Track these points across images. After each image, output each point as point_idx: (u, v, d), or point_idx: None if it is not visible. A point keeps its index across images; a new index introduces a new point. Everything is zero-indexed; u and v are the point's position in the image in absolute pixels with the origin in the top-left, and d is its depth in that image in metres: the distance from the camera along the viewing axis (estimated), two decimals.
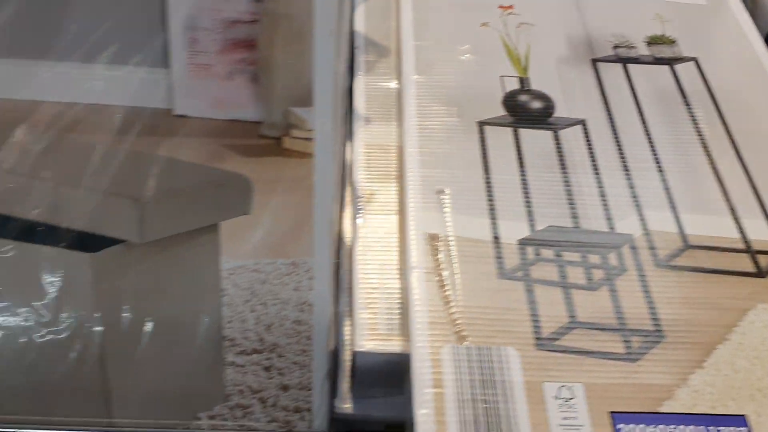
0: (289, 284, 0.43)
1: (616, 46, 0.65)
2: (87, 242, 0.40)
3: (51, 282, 0.41)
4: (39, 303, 0.41)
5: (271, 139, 0.39)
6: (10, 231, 0.40)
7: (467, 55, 0.64)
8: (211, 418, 0.45)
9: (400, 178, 0.61)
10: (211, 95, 0.38)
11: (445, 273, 0.48)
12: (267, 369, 0.45)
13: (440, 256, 0.50)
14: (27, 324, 0.42)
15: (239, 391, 0.45)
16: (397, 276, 0.55)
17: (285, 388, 0.45)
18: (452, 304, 0.47)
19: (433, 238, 0.50)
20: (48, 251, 0.40)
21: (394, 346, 0.50)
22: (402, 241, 0.56)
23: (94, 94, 0.38)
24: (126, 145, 0.39)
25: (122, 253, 0.41)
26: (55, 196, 0.39)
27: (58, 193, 0.39)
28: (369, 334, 0.50)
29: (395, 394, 0.51)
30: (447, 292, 0.48)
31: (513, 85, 0.62)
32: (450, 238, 0.50)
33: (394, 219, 0.59)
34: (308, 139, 0.38)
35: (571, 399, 0.43)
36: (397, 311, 0.52)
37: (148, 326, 0.43)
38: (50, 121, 0.39)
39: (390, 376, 0.50)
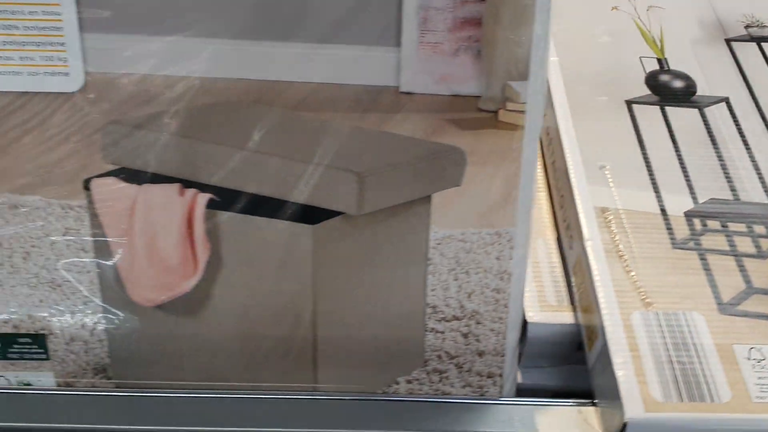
0: (492, 253, 0.44)
1: (747, 26, 0.66)
2: (309, 214, 0.43)
3: (274, 252, 0.43)
4: (260, 273, 0.44)
5: (488, 112, 0.41)
6: (239, 205, 0.43)
7: (604, 37, 0.65)
8: (409, 382, 0.47)
9: (544, 156, 0.63)
10: (437, 72, 0.40)
11: (620, 244, 0.50)
12: (465, 335, 0.47)
13: (613, 227, 0.51)
14: (247, 292, 0.44)
15: (437, 357, 0.47)
16: (556, 249, 0.57)
17: (480, 354, 0.47)
18: (632, 273, 0.49)
19: (603, 211, 0.52)
20: (273, 223, 0.43)
21: (565, 317, 0.52)
22: (554, 216, 0.58)
23: (327, 73, 0.40)
24: (351, 122, 0.41)
25: (340, 224, 0.43)
26: (281, 171, 0.41)
27: (284, 167, 0.41)
28: (539, 306, 0.52)
29: (561, 364, 0.53)
30: (626, 262, 0.49)
31: (652, 65, 0.63)
32: (620, 211, 0.52)
33: (543, 195, 0.61)
34: (521, 112, 0.40)
35: (762, 360, 0.45)
36: (562, 283, 0.54)
37: (359, 294, 0.45)
38: (284, 99, 0.41)
39: (560, 346, 0.52)
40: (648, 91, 0.61)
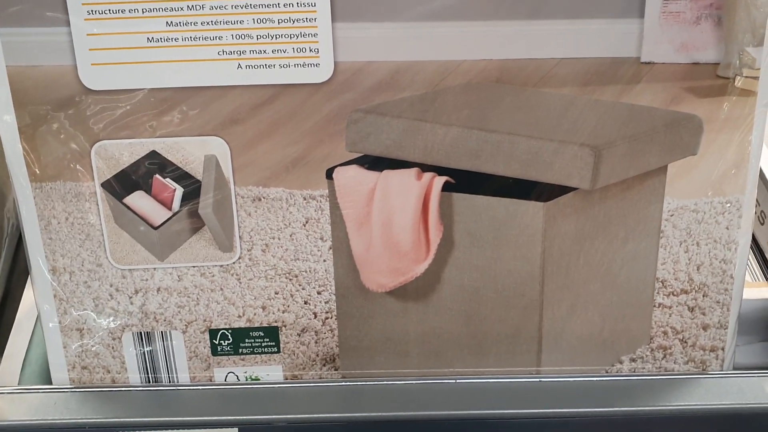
0: (722, 223, 0.44)
1: None
2: (539, 192, 0.43)
3: (504, 232, 0.43)
4: (489, 254, 0.43)
5: (725, 79, 0.41)
6: (473, 185, 0.43)
7: None
8: (633, 360, 0.47)
9: None
10: (678, 40, 0.41)
11: None
12: (691, 309, 0.46)
13: None
14: (475, 274, 0.45)
15: (663, 333, 0.47)
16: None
17: (705, 327, 0.46)
18: None
19: None
20: (503, 203, 0.43)
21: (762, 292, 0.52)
22: None
23: (570, 48, 0.41)
24: (591, 95, 0.41)
25: (572, 200, 0.43)
26: (516, 149, 0.42)
27: (519, 145, 0.41)
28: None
29: (758, 339, 0.53)
30: None
31: None
32: None
33: None
34: (757, 78, 0.40)
35: None
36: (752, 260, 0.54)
37: (587, 272, 0.45)
38: (524, 78, 0.41)
39: (757, 321, 0.52)
40: None
